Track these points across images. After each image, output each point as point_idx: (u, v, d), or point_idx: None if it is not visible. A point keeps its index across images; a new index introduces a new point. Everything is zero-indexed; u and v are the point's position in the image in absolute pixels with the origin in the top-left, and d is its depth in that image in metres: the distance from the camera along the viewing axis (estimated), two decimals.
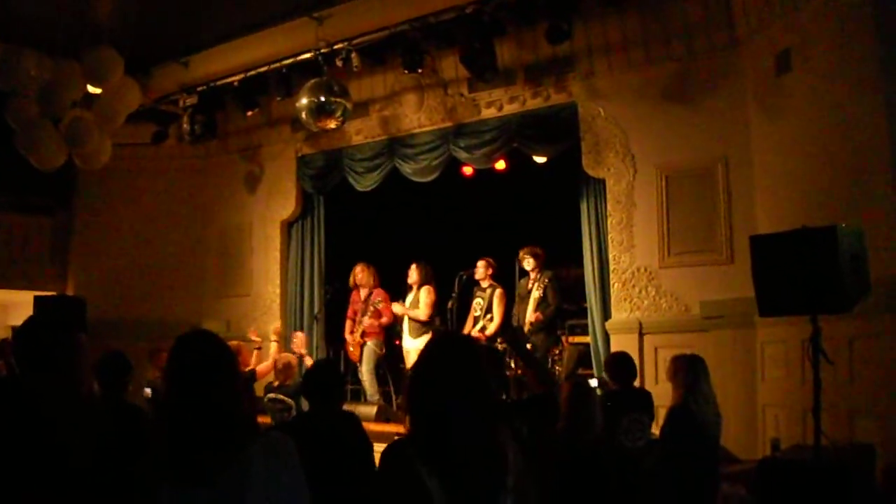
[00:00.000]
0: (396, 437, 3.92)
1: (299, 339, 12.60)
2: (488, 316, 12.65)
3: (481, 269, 12.90)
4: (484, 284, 12.95)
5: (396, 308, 13.08)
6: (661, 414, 8.25)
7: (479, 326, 12.68)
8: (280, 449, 3.55)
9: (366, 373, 13.23)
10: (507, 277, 13.01)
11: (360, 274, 13.66)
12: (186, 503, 3.34)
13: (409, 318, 13.01)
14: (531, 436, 6.05)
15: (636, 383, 9.34)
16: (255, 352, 11.73)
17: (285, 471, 3.51)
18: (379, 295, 13.42)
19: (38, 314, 11.61)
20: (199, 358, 3.58)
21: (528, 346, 11.93)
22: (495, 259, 13.08)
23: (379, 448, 4.14)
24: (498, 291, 12.74)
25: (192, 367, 3.55)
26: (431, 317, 12.94)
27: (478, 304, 12.91)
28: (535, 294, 12.11)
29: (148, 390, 11.30)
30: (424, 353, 3.74)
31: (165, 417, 3.57)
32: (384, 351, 13.54)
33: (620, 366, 8.68)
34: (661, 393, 9.59)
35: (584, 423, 6.30)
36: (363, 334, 13.35)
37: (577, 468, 6.04)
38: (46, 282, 16.38)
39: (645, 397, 8.64)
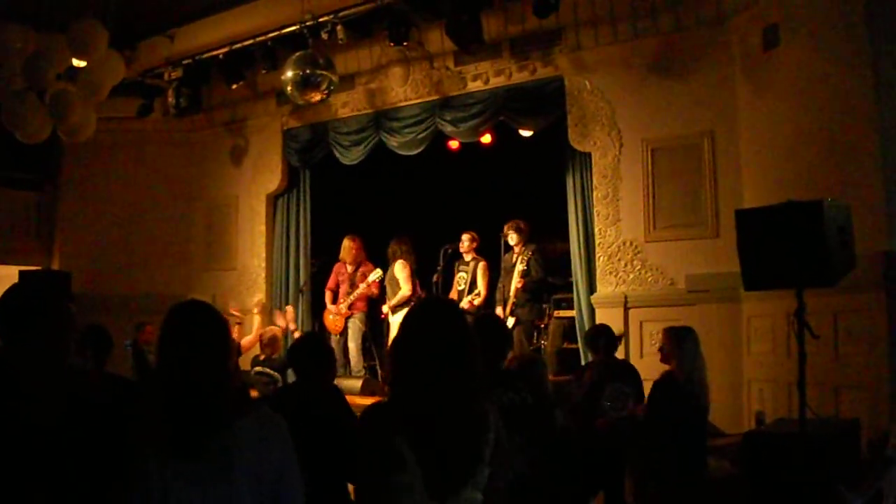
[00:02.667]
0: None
1: (289, 313, 12.59)
2: (475, 290, 12.67)
3: (466, 243, 12.97)
4: (467, 258, 13.03)
5: (385, 308, 13.07)
6: (648, 386, 8.25)
7: (466, 300, 12.69)
8: (272, 425, 3.52)
9: (353, 347, 13.22)
10: (493, 251, 13.02)
11: (350, 247, 13.64)
12: (173, 475, 3.30)
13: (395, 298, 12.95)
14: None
15: (620, 357, 9.40)
16: (237, 326, 11.72)
17: (276, 448, 3.47)
18: (369, 268, 13.42)
19: (23, 283, 11.60)
20: (194, 329, 3.54)
21: (513, 318, 12.04)
22: (480, 233, 13.13)
23: None
24: (482, 264, 12.80)
25: (186, 337, 3.51)
26: (414, 289, 12.91)
27: (461, 277, 12.95)
28: (519, 267, 12.11)
29: (127, 343, 11.32)
30: (408, 317, 3.74)
31: (155, 388, 3.53)
32: (367, 326, 13.59)
33: (599, 337, 8.72)
34: (647, 366, 9.62)
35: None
36: (350, 306, 13.36)
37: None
38: (32, 256, 16.32)
39: (628, 369, 8.68)
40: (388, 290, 13.08)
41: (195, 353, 3.46)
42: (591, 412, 8.13)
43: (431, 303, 4.22)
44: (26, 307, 4.00)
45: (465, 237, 13.02)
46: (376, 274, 13.22)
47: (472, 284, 12.80)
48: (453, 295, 13.02)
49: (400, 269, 12.89)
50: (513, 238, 12.43)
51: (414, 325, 3.68)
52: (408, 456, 3.40)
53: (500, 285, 12.60)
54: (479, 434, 3.53)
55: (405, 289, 12.81)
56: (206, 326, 3.57)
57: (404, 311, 12.04)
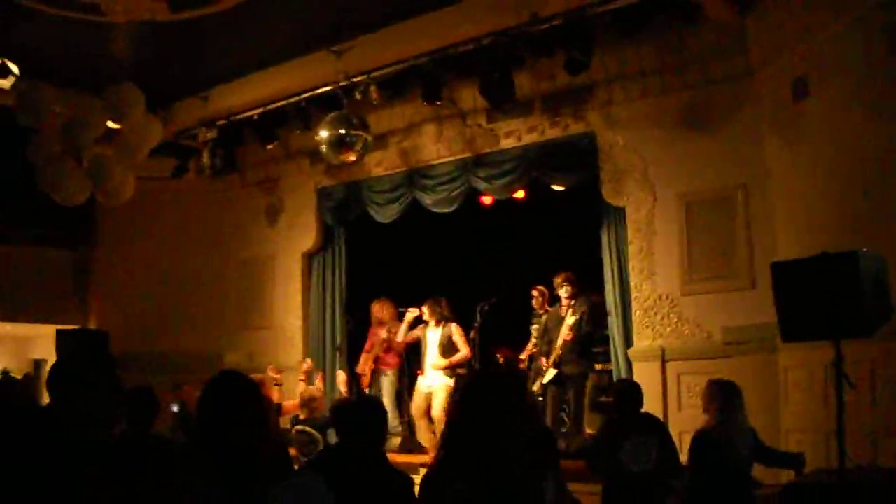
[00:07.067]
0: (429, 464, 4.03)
1: (340, 376, 12.69)
2: (545, 338, 12.71)
3: (538, 298, 13.30)
4: (540, 311, 13.24)
5: (442, 362, 12.79)
6: (689, 439, 8.28)
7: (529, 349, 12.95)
8: (311, 492, 3.61)
9: (388, 404, 13.16)
10: (525, 307, 13.16)
11: (379, 311, 13.81)
12: None
13: (444, 360, 12.77)
14: None
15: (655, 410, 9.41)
16: (277, 388, 11.80)
17: None
18: (395, 327, 13.53)
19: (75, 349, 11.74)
20: (229, 400, 3.66)
21: (555, 372, 12.07)
22: (516, 287, 13.27)
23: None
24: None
25: (221, 409, 3.63)
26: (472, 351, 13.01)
27: (535, 329, 13.04)
28: (570, 320, 12.11)
29: (175, 407, 11.41)
30: (475, 386, 3.85)
31: (199, 455, 3.64)
32: (402, 382, 13.68)
33: (627, 394, 8.66)
34: (685, 419, 9.74)
35: None
36: (376, 360, 13.55)
37: None
38: (68, 315, 16.46)
39: (650, 421, 8.62)
40: (439, 350, 12.83)
41: (229, 424, 3.58)
42: (607, 467, 8.15)
43: (498, 374, 4.32)
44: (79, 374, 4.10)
45: (536, 293, 13.36)
46: (413, 312, 13.29)
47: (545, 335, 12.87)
48: (529, 345, 13.13)
49: (457, 333, 12.82)
50: (566, 291, 12.39)
51: (481, 394, 3.79)
52: None
53: (545, 337, 12.61)
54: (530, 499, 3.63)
55: (465, 351, 12.74)
56: (239, 399, 3.70)
57: (440, 376, 12.21)
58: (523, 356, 13.22)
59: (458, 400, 3.92)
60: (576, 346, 12.20)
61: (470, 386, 3.94)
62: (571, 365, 12.22)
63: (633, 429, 8.14)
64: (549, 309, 13.11)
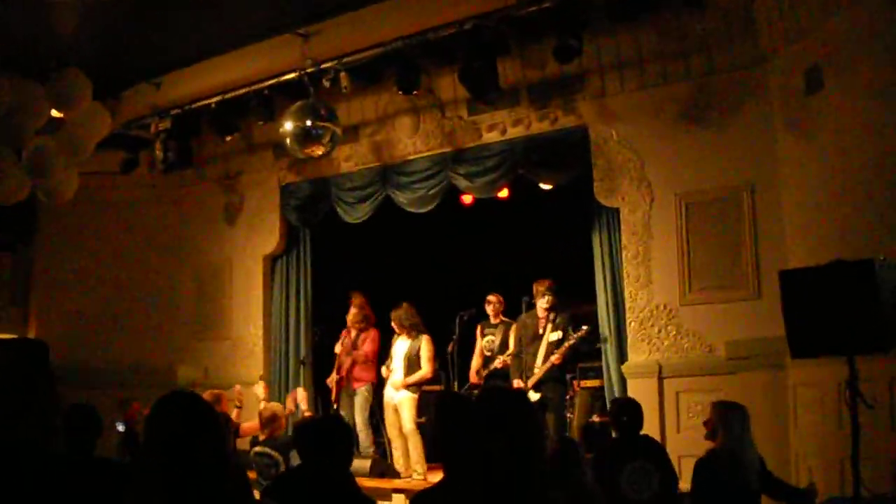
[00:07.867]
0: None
1: (300, 394, 12.55)
2: (507, 352, 12.64)
3: (495, 305, 13.02)
4: (495, 321, 13.04)
5: (396, 382, 12.80)
6: (688, 464, 8.25)
7: (499, 360, 12.78)
8: None
9: (360, 421, 13.12)
10: (512, 314, 13.09)
11: (351, 307, 13.70)
12: None
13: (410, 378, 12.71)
14: None
15: (652, 431, 9.37)
16: (236, 410, 11.74)
17: None
18: (371, 335, 13.48)
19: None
20: (198, 422, 3.63)
21: (538, 395, 11.92)
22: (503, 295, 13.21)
23: None
24: (513, 327, 12.76)
25: (173, 433, 3.60)
26: (436, 370, 12.97)
27: (489, 341, 12.95)
28: (552, 336, 12.06)
29: (120, 427, 11.33)
30: (486, 407, 3.81)
31: (145, 481, 3.61)
32: (376, 397, 13.56)
33: (625, 413, 8.63)
34: (684, 441, 9.67)
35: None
36: (349, 375, 13.43)
37: None
38: (5, 323, 16.33)
39: (651, 445, 8.60)
40: (404, 364, 12.80)
41: (181, 448, 3.54)
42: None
43: (505, 393, 4.30)
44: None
45: (493, 299, 13.13)
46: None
47: (504, 346, 12.80)
48: (478, 360, 13.04)
49: (426, 347, 12.72)
50: (546, 301, 12.26)
51: (490, 415, 3.73)
52: None
53: (517, 352, 12.53)
54: None
55: (426, 369, 12.66)
56: (193, 423, 3.66)
57: (404, 393, 12.12)
58: (476, 372, 13.13)
59: (469, 417, 3.86)
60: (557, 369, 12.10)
61: (480, 401, 3.90)
62: (551, 387, 12.11)
63: (633, 453, 8.12)
64: (503, 319, 13.08)
